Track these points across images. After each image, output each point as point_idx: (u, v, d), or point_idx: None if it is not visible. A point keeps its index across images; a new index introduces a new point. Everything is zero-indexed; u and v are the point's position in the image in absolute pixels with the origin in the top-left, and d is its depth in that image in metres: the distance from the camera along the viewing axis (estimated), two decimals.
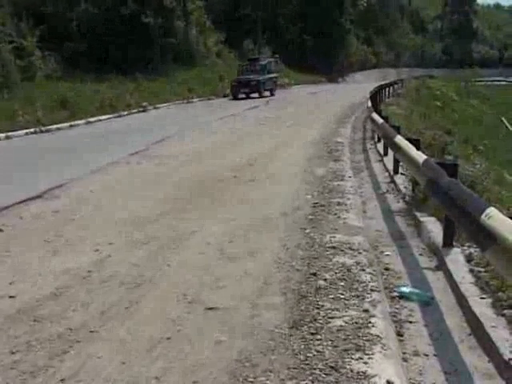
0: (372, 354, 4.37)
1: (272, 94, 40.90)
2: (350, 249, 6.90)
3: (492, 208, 4.78)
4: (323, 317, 5.02)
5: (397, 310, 5.56)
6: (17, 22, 30.70)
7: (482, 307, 5.20)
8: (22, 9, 31.62)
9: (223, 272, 6.25)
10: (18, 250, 7.31)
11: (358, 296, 5.48)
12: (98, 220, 8.70)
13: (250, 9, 58.67)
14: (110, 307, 5.42)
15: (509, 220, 4.46)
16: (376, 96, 29.77)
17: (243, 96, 38.31)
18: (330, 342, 4.56)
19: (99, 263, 6.67)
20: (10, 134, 20.34)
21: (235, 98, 38.07)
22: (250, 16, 58.33)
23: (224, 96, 39.47)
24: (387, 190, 10.83)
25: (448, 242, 6.91)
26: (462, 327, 5.18)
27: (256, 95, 38.80)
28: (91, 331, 4.93)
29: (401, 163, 11.32)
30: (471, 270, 6.16)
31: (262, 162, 13.41)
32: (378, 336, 4.65)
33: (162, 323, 5.03)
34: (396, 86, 45.85)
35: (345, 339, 4.61)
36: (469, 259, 6.48)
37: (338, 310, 5.17)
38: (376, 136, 17.23)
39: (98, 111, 26.31)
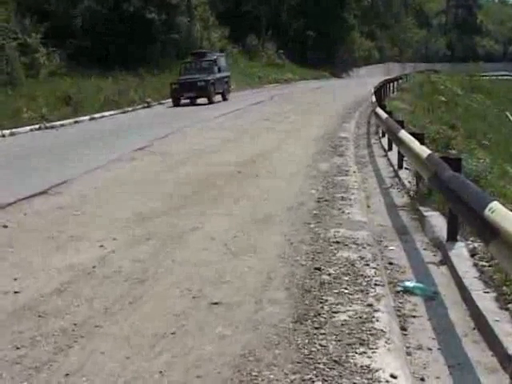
0: (376, 348, 4.37)
1: (224, 99, 32.73)
2: (354, 243, 6.90)
3: (495, 202, 4.77)
4: (327, 311, 5.03)
5: (401, 305, 5.57)
6: (21, 19, 30.71)
7: (485, 301, 5.20)
8: (25, 6, 31.63)
9: (227, 267, 6.25)
10: (22, 246, 7.33)
11: (361, 290, 5.48)
12: (101, 216, 8.71)
13: (253, 5, 58.57)
14: (113, 303, 5.43)
15: None
16: (380, 91, 29.73)
17: (187, 102, 30.91)
18: (333, 337, 4.56)
19: (103, 259, 6.68)
20: (14, 130, 20.41)
21: (176, 104, 30.42)
22: (253, 12, 58.24)
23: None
24: (391, 185, 10.83)
25: (452, 237, 6.91)
26: (465, 321, 5.18)
27: (204, 100, 31.03)
28: (95, 326, 4.94)
29: (405, 158, 11.31)
30: (475, 265, 6.16)
31: (266, 158, 13.41)
32: (381, 330, 4.65)
33: (166, 318, 5.03)
34: (400, 80, 45.79)
35: (349, 333, 4.61)
36: (473, 253, 6.48)
37: (341, 304, 5.17)
38: (380, 131, 17.22)
39: (102, 107, 26.35)
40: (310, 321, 4.85)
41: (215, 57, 33.22)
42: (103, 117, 25.05)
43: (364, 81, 50.91)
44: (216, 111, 25.81)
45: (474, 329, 5.02)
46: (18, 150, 16.83)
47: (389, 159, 13.35)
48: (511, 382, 4.12)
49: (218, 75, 31.94)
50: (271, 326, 4.79)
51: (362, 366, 4.13)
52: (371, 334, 4.59)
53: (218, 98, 31.96)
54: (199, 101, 31.34)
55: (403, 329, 5.04)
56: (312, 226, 7.72)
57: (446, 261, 6.58)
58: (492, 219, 4.59)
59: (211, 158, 13.51)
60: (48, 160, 14.21)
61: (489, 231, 4.67)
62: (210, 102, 30.05)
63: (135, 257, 6.70)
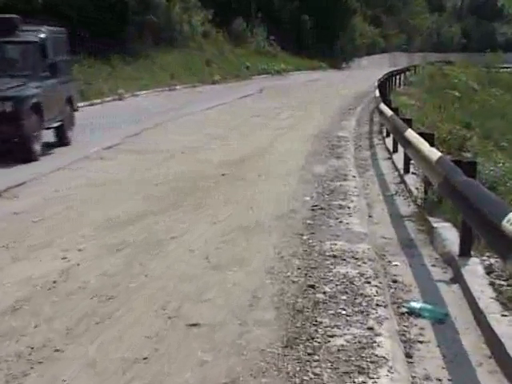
0: (377, 378, 4.39)
1: (64, 141, 16.04)
2: (353, 258, 6.92)
3: None
4: (322, 335, 5.04)
5: (406, 328, 5.57)
6: None
7: (503, 326, 5.21)
8: None
9: (208, 283, 6.25)
10: None
11: (361, 312, 5.49)
12: (64, 223, 8.67)
13: None
14: (77, 323, 5.41)
15: None
16: (385, 84, 29.83)
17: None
18: (328, 364, 4.57)
19: (66, 272, 6.65)
20: None
21: None
22: None
23: (212, 83, 39.34)
24: (396, 192, 10.86)
25: (465, 251, 6.93)
26: (480, 348, 5.20)
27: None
28: (56, 350, 4.91)
29: (412, 161, 11.34)
30: (491, 284, 6.17)
31: (255, 159, 13.43)
32: (383, 357, 4.67)
33: (138, 341, 5.02)
34: (408, 73, 45.99)
35: (346, 361, 4.62)
36: (489, 271, 6.50)
37: (338, 327, 5.18)
38: (384, 130, 17.27)
39: None
40: (302, 345, 4.86)
41: (43, 36, 15.54)
42: None
43: (366, 73, 51.10)
44: (199, 105, 25.79)
45: (490, 357, 5.02)
46: None
47: (393, 162, 13.39)
48: None
49: (51, 83, 15.18)
50: (258, 350, 4.79)
51: None
52: (372, 362, 4.60)
53: (46, 137, 15.08)
54: None
55: (408, 356, 5.04)
56: (305, 237, 7.73)
57: (457, 279, 6.60)
58: (511, 231, 4.61)
59: (194, 158, 13.51)
60: (3, 157, 14.12)
61: (507, 245, 4.69)
62: (26, 158, 13.60)
63: (103, 270, 6.69)
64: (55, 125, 15.55)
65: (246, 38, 57.20)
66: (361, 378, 4.38)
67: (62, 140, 15.99)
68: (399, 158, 12.83)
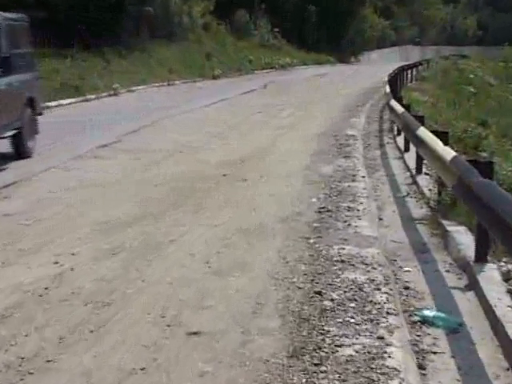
0: None
1: (23, 153, 13.72)
2: (363, 263, 6.91)
3: None
4: (329, 345, 5.03)
5: (418, 338, 5.57)
6: None
7: None
8: None
9: (209, 289, 6.25)
10: None
11: (371, 320, 5.49)
12: (58, 226, 8.66)
13: None
14: (71, 331, 5.39)
15: None
16: (396, 80, 29.81)
17: None
18: (336, 376, 4.56)
19: (59, 278, 6.64)
20: None
21: None
22: None
23: (213, 78, 39.37)
24: (408, 193, 10.85)
25: (481, 257, 6.92)
26: (497, 359, 5.18)
27: None
28: (47, 360, 4.90)
29: (425, 161, 11.33)
30: (509, 291, 6.17)
31: (257, 158, 13.42)
32: (395, 369, 4.66)
33: (135, 351, 5.02)
34: (420, 67, 45.99)
35: (355, 372, 4.61)
36: (506, 277, 6.49)
37: (346, 336, 5.18)
38: (395, 128, 17.27)
39: (58, 94, 26.21)
40: (308, 356, 4.86)
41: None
42: (60, 106, 24.90)
43: (376, 67, 51.10)
44: (199, 101, 25.79)
45: (508, 369, 5.01)
46: None
47: (405, 162, 13.39)
48: None
49: (4, 82, 12.88)
50: (261, 361, 4.79)
51: None
52: (382, 374, 4.59)
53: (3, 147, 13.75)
54: None
55: (421, 367, 5.04)
56: (312, 241, 7.73)
57: (473, 286, 6.59)
58: None
59: (193, 158, 13.51)
60: None
61: None
62: None
63: (98, 275, 6.68)
64: (10, 133, 13.21)
65: (249, 30, 57.17)
66: None
67: (19, 151, 13.69)
68: (411, 157, 12.83)
